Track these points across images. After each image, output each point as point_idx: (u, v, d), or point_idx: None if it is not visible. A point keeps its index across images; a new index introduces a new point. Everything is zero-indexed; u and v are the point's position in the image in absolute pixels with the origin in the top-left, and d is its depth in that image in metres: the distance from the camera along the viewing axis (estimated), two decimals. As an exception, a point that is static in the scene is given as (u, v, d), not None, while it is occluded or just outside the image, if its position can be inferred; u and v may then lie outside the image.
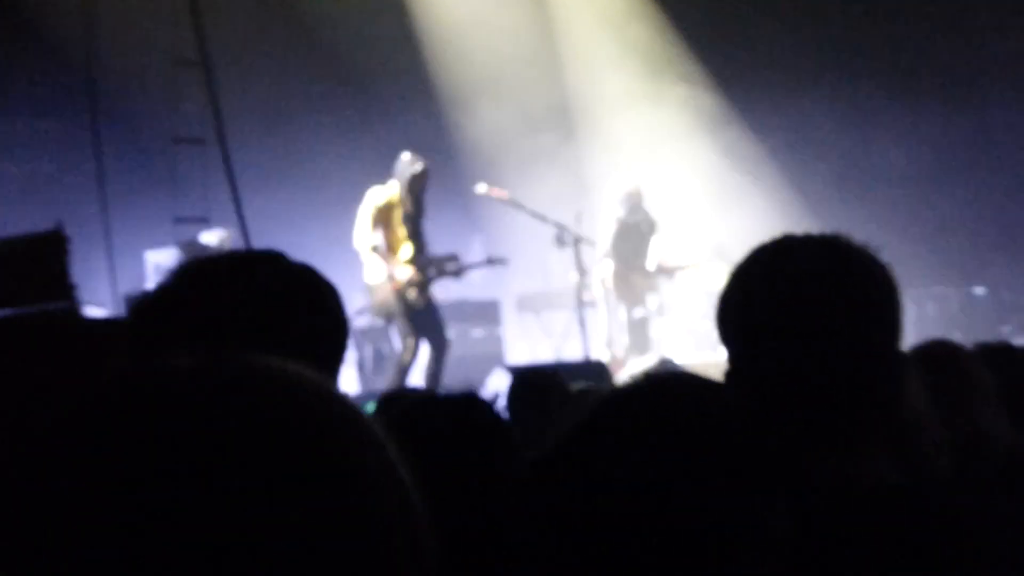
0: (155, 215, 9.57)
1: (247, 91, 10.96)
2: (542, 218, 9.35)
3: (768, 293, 1.49)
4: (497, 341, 11.04)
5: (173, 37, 9.29)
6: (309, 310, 1.29)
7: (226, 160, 9.47)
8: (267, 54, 11.36)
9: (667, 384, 1.29)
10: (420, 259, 8.67)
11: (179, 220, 9.57)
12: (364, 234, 8.63)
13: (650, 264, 10.57)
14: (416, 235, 8.67)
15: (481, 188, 9.42)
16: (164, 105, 9.70)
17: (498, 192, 9.38)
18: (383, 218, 8.62)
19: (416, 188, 8.60)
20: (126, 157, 10.15)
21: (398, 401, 2.85)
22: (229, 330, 1.20)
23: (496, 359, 9.91)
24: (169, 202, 9.52)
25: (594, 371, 6.95)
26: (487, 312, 11.20)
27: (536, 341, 11.53)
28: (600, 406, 1.25)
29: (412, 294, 8.50)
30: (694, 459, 1.20)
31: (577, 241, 9.44)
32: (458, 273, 8.93)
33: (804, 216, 10.90)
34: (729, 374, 1.51)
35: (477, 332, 10.94)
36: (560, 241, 9.49)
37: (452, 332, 9.35)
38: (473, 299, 11.08)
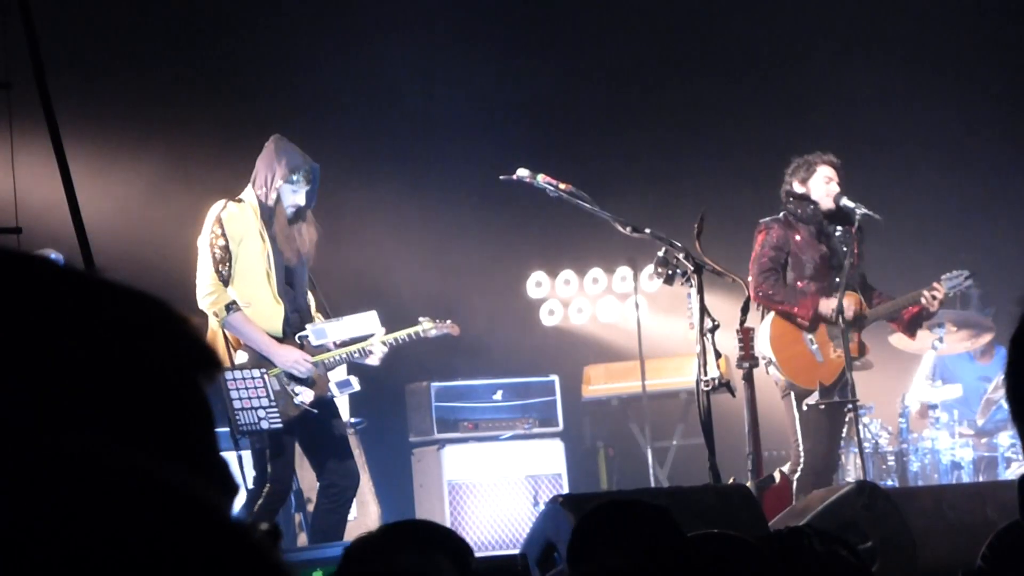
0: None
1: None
2: (636, 230, 7.73)
3: None
4: (556, 456, 10.27)
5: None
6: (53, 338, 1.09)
7: (52, 128, 7.10)
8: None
9: None
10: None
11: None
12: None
13: (849, 306, 8.66)
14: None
15: (523, 172, 7.74)
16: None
17: (552, 180, 7.75)
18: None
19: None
20: None
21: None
22: None
23: (552, 485, 9.95)
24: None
25: (730, 501, 6.45)
26: (535, 397, 10.43)
27: (629, 448, 11.33)
28: None
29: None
30: None
31: (698, 270, 7.51)
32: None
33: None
34: None
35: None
36: (667, 271, 7.63)
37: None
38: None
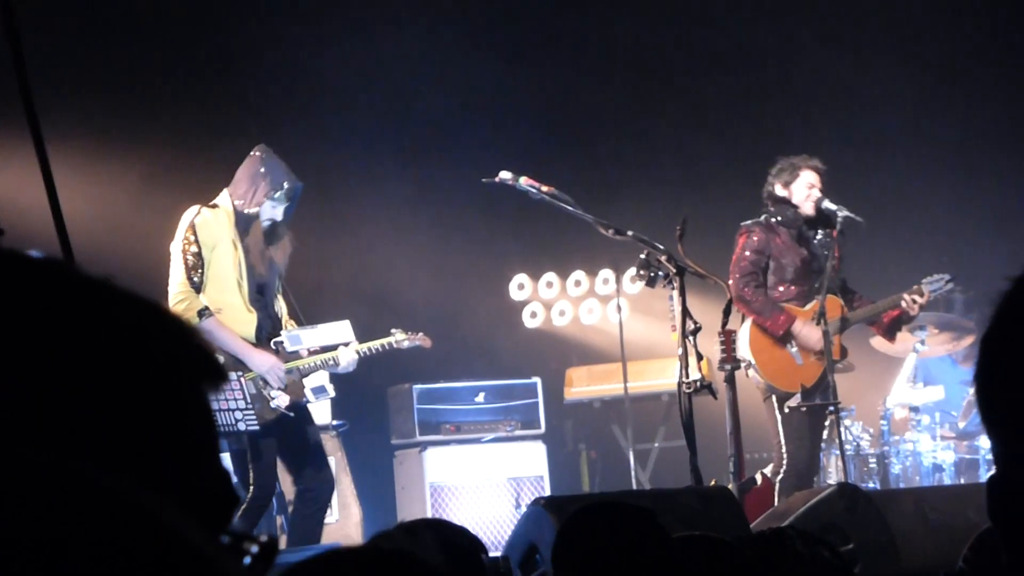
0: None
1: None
2: (619, 232, 7.62)
3: None
4: (538, 458, 10.20)
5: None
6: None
7: (35, 129, 7.03)
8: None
9: None
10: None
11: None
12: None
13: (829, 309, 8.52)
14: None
15: (505, 175, 7.62)
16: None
17: (534, 183, 7.62)
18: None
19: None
20: None
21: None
22: None
23: (534, 487, 9.88)
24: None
25: (712, 503, 6.39)
26: (517, 399, 10.33)
27: (611, 450, 11.22)
28: None
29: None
30: None
31: (680, 272, 7.40)
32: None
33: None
34: (995, 485, 1.31)
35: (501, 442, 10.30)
36: (649, 274, 7.56)
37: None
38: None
